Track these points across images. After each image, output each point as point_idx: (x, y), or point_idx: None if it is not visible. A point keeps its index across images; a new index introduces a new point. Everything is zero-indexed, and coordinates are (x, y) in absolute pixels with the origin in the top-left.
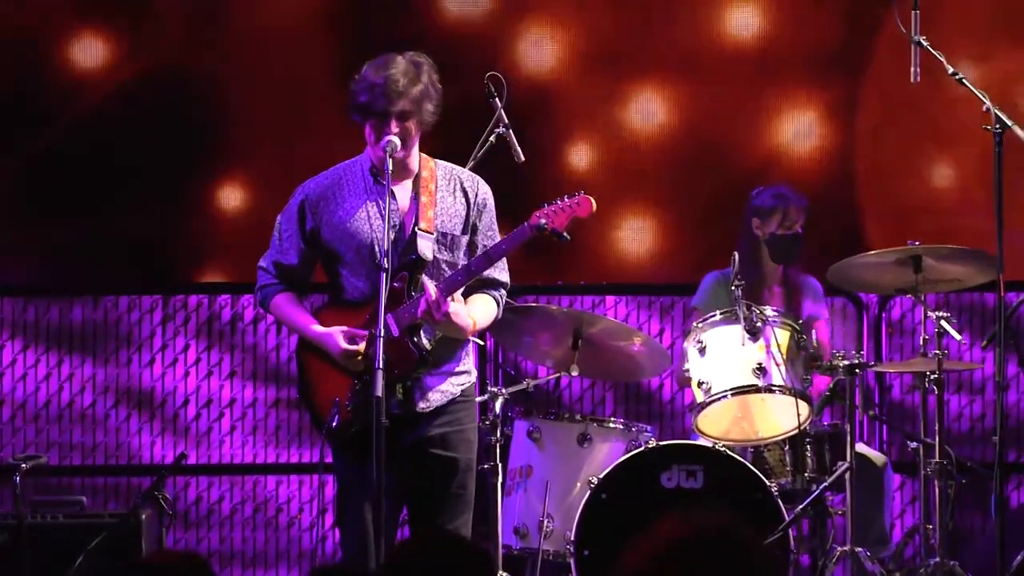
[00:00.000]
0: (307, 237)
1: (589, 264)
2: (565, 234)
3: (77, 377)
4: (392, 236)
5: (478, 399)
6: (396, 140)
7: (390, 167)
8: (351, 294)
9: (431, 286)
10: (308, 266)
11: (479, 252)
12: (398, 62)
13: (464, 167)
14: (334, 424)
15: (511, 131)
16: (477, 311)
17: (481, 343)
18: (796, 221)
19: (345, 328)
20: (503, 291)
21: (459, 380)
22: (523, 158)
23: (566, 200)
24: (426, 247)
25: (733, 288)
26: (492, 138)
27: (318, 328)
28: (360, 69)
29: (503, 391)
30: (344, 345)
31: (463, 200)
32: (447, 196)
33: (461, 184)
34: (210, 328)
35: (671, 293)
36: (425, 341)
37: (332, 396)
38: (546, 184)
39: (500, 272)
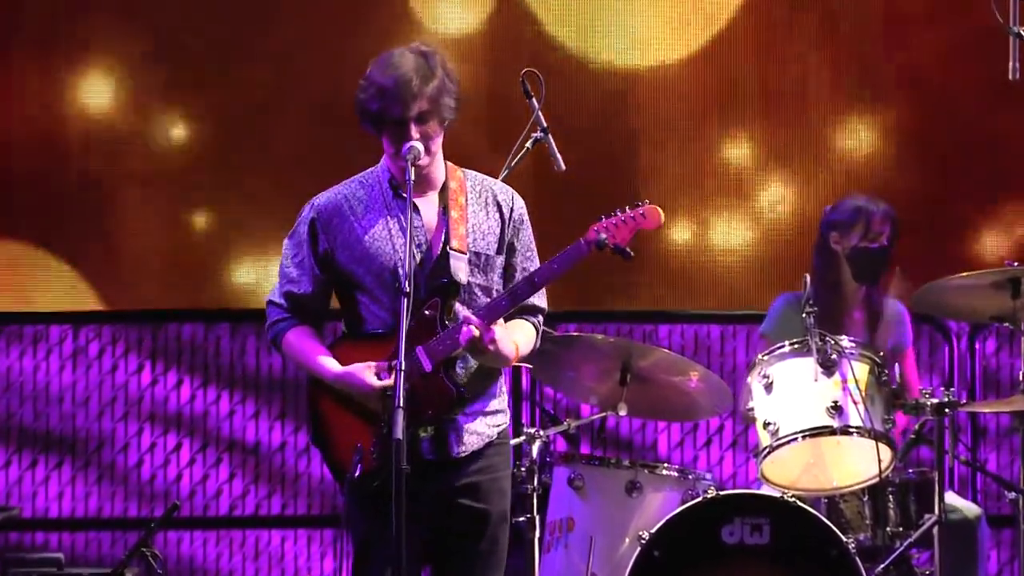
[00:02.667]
0: (321, 260)
1: (639, 289)
2: (629, 250)
3: (55, 414)
4: (418, 257)
5: (511, 442)
6: (419, 146)
7: (412, 176)
8: (371, 325)
9: (470, 314)
10: (325, 294)
11: (517, 274)
12: (406, 58)
13: (496, 178)
14: (356, 474)
15: (550, 135)
16: (518, 336)
17: (529, 365)
18: (881, 233)
19: (370, 364)
20: (541, 317)
21: (495, 420)
22: (564, 167)
23: (629, 211)
24: (459, 268)
25: (805, 316)
26: (529, 144)
27: (336, 367)
28: (365, 71)
29: (541, 433)
30: (373, 382)
31: (497, 215)
32: (479, 211)
33: (494, 197)
34: (206, 359)
35: (734, 322)
36: (460, 376)
37: (354, 442)
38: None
39: (538, 297)
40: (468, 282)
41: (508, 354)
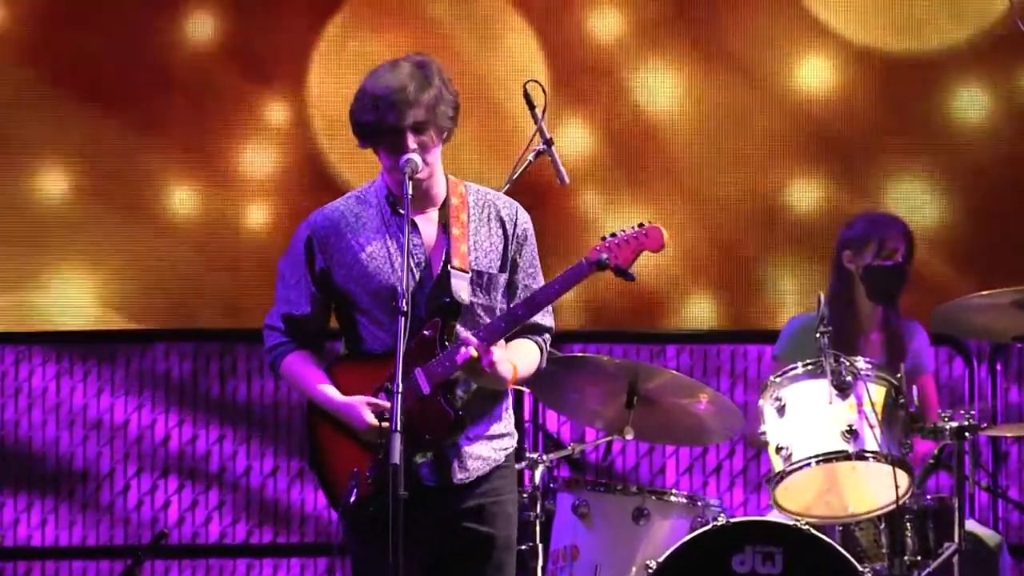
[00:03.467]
0: (318, 279)
1: (647, 307)
2: (631, 272)
3: (37, 438)
4: (417, 276)
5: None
6: (416, 158)
7: (410, 190)
8: (371, 345)
9: (469, 335)
10: (323, 314)
11: (520, 292)
12: (400, 67)
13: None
14: (352, 499)
15: (554, 148)
16: (518, 357)
17: (524, 389)
18: (896, 249)
19: (370, 399)
20: (547, 336)
21: (501, 444)
22: (567, 180)
23: (632, 231)
24: (461, 288)
25: (818, 336)
26: (531, 157)
27: (337, 397)
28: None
29: (544, 458)
30: (371, 420)
31: (500, 231)
32: (481, 227)
33: (497, 212)
34: (195, 381)
35: (745, 341)
36: (460, 399)
37: (350, 467)
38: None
39: (543, 316)
40: (471, 302)
41: (505, 376)
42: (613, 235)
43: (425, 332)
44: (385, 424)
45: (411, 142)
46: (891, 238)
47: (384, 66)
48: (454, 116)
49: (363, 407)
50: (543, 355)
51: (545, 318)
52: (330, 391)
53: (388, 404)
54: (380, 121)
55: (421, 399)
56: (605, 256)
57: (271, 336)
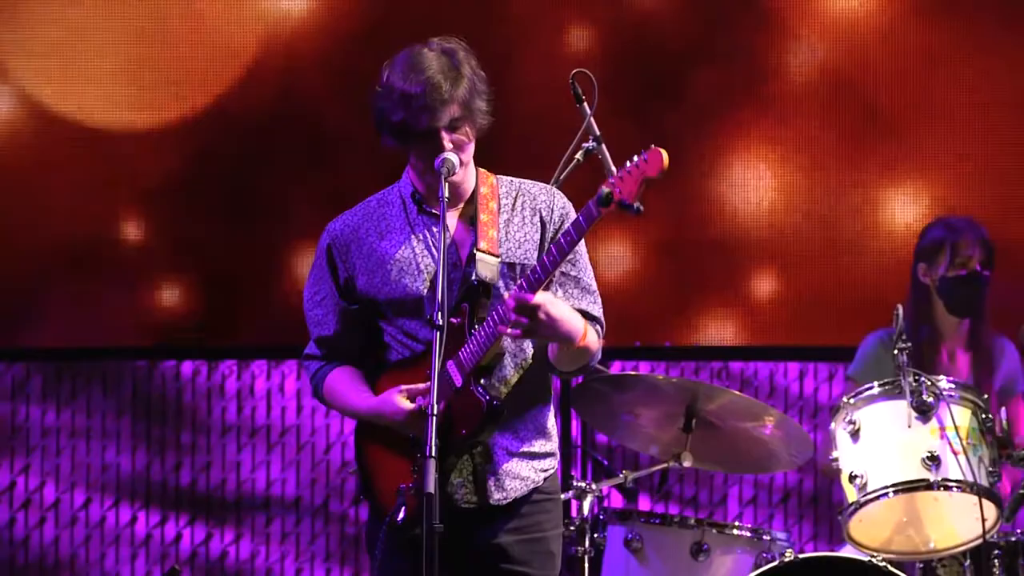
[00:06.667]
0: (343, 291)
1: (705, 321)
2: (637, 204)
3: (35, 468)
4: (444, 280)
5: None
6: (453, 158)
7: (446, 193)
8: (398, 354)
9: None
10: (355, 327)
11: (571, 282)
12: (428, 58)
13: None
14: (400, 517)
15: (604, 145)
16: (578, 321)
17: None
18: (971, 257)
19: (402, 386)
20: (600, 328)
21: (541, 464)
22: None
23: (633, 160)
24: (486, 269)
25: (896, 352)
26: (579, 155)
27: (369, 400)
28: (379, 76)
29: (593, 487)
30: (406, 406)
31: (536, 221)
32: (514, 217)
33: (532, 201)
34: (209, 404)
35: (817, 359)
36: (496, 387)
37: (398, 483)
38: None
39: (592, 305)
40: (503, 296)
41: (569, 321)
42: (618, 169)
43: (453, 320)
44: (416, 407)
45: (447, 141)
46: (965, 245)
47: (409, 55)
48: (488, 106)
49: (395, 396)
50: (599, 340)
51: (594, 308)
52: (365, 396)
53: (422, 386)
54: (411, 122)
55: (455, 392)
56: (606, 191)
57: (310, 365)
